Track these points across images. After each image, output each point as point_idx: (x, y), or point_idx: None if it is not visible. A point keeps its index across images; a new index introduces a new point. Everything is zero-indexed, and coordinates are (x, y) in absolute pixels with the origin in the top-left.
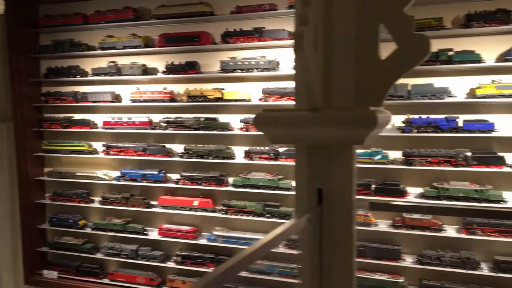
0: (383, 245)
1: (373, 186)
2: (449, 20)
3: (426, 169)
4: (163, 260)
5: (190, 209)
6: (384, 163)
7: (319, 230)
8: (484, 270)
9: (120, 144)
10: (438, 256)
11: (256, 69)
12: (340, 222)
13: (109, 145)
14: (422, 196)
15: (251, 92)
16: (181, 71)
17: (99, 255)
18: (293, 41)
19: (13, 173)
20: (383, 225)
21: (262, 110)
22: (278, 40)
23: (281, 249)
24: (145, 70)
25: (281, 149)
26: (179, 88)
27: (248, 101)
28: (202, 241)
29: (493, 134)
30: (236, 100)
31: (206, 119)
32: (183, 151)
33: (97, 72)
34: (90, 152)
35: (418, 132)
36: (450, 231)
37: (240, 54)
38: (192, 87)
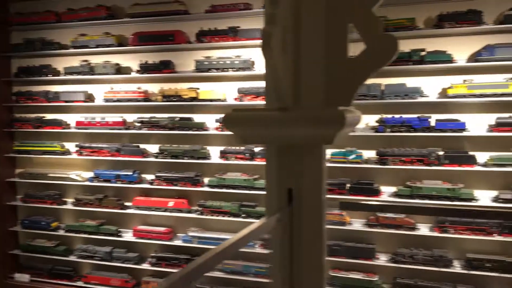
0: (358, 244)
1: (348, 185)
2: (421, 20)
3: (400, 168)
4: (137, 262)
5: (165, 210)
6: (358, 163)
7: (289, 230)
8: (457, 267)
9: (93, 145)
10: (411, 255)
11: (231, 68)
12: (310, 221)
13: (82, 146)
14: (395, 195)
15: (226, 91)
16: (155, 71)
17: (72, 258)
18: (261, 40)
19: None
20: (357, 224)
21: (232, 109)
22: (253, 40)
23: (258, 249)
24: (119, 69)
25: (256, 149)
26: (153, 88)
27: (223, 100)
28: (178, 242)
29: (464, 134)
30: (211, 100)
31: (181, 119)
32: (157, 151)
33: (69, 71)
34: (63, 153)
35: (392, 131)
36: (423, 230)
37: (215, 54)
38: (166, 86)
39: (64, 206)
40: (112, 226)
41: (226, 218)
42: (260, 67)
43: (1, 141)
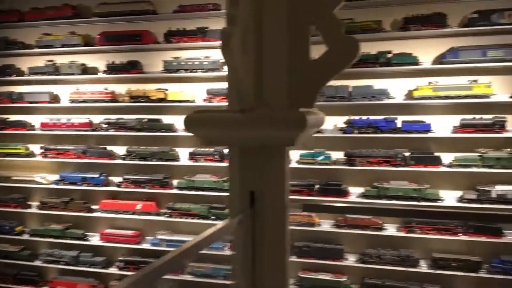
0: (327, 245)
1: (317, 186)
2: (388, 23)
3: (367, 169)
4: (105, 266)
5: (133, 213)
6: (327, 164)
7: (251, 232)
8: (423, 267)
9: (58, 147)
10: (379, 255)
11: (200, 69)
12: (272, 223)
13: (47, 148)
14: (363, 195)
15: (195, 93)
16: (122, 71)
17: (37, 263)
18: (221, 41)
19: None
20: (326, 225)
21: (192, 111)
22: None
23: (227, 251)
24: (85, 70)
25: (226, 151)
26: (120, 88)
27: (192, 102)
28: (146, 246)
29: (429, 135)
30: (180, 101)
31: (149, 120)
32: (125, 153)
33: (34, 71)
34: (27, 155)
35: (359, 132)
36: (391, 230)
37: (183, 54)
38: (134, 87)
39: (28, 210)
40: (78, 230)
41: (195, 220)
42: None
43: None
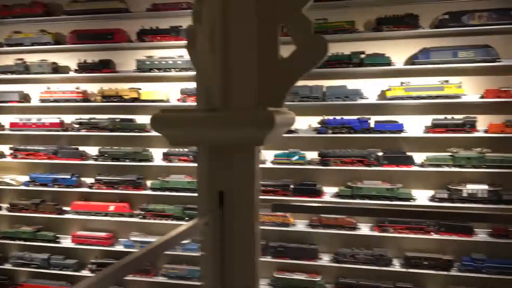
0: (301, 245)
1: (292, 186)
2: (361, 23)
3: (341, 168)
4: (77, 268)
5: (106, 215)
6: (301, 164)
7: (220, 232)
8: (396, 266)
9: (29, 147)
10: (353, 254)
11: (174, 68)
12: (241, 223)
13: (17, 148)
14: (337, 195)
15: (169, 92)
16: (94, 70)
17: (7, 266)
18: (186, 39)
19: None
20: (301, 225)
21: (160, 110)
22: None
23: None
24: (56, 69)
25: None
26: (92, 88)
27: (166, 101)
28: (119, 248)
29: (402, 135)
30: (153, 101)
31: (122, 120)
32: (97, 153)
33: (3, 70)
34: None
35: (333, 133)
36: (364, 229)
37: (157, 53)
38: (106, 86)
39: None
40: (49, 232)
41: (169, 221)
42: None
43: None
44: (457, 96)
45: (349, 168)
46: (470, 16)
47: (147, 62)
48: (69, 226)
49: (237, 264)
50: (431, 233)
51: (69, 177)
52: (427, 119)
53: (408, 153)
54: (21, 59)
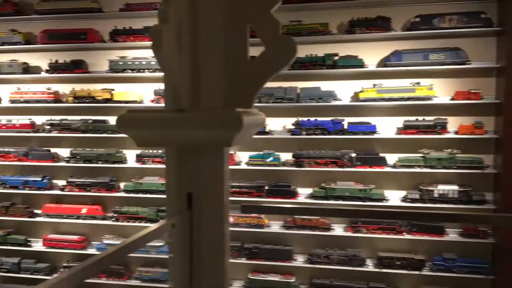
0: (276, 246)
1: (266, 187)
2: (334, 25)
3: (315, 170)
4: (48, 272)
5: (78, 217)
6: (276, 165)
7: (188, 234)
8: (369, 266)
9: None
10: (327, 255)
11: (148, 69)
12: (210, 225)
13: None
14: (311, 196)
15: (143, 93)
16: (66, 70)
17: None
18: (151, 39)
19: None
20: (276, 227)
21: (126, 111)
22: None
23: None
24: (27, 69)
25: None
26: (64, 88)
27: (140, 102)
28: (92, 251)
29: (375, 136)
30: (127, 102)
31: (95, 121)
32: (69, 155)
33: None
34: None
35: (307, 134)
36: (338, 230)
37: (130, 54)
38: (78, 87)
39: None
40: (20, 236)
41: (143, 224)
42: None
43: None
44: (428, 98)
45: (323, 169)
46: (441, 19)
47: (120, 63)
48: (40, 229)
49: (206, 266)
50: (403, 233)
51: (40, 179)
52: (399, 121)
53: (381, 154)
54: None
